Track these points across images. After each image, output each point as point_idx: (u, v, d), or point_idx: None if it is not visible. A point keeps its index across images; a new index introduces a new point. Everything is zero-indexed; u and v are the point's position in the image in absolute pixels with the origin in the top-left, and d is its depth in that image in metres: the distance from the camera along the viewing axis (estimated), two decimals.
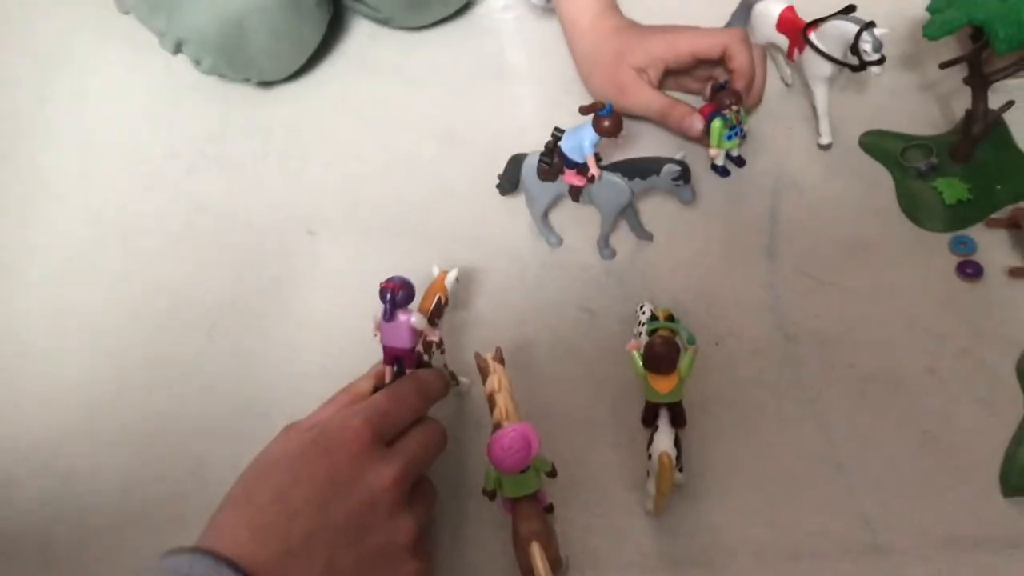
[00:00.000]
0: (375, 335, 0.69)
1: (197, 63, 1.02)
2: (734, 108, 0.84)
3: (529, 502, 0.63)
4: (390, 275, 0.68)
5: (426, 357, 0.72)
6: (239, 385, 0.83)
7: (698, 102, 0.92)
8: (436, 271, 0.75)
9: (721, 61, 0.89)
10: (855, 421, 0.74)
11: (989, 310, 0.78)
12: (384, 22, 1.11)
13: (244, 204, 0.97)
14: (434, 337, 0.71)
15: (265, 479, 0.61)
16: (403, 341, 0.68)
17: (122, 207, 0.99)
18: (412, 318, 0.67)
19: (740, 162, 0.92)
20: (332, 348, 0.84)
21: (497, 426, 0.65)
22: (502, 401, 0.66)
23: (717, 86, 0.85)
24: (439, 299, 0.73)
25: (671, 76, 0.95)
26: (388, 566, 0.62)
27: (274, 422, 0.66)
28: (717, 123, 0.86)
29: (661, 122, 0.92)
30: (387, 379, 0.70)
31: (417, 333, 0.69)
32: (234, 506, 0.60)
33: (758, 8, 0.92)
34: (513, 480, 0.63)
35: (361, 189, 0.96)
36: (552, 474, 0.65)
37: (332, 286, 0.89)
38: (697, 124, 0.88)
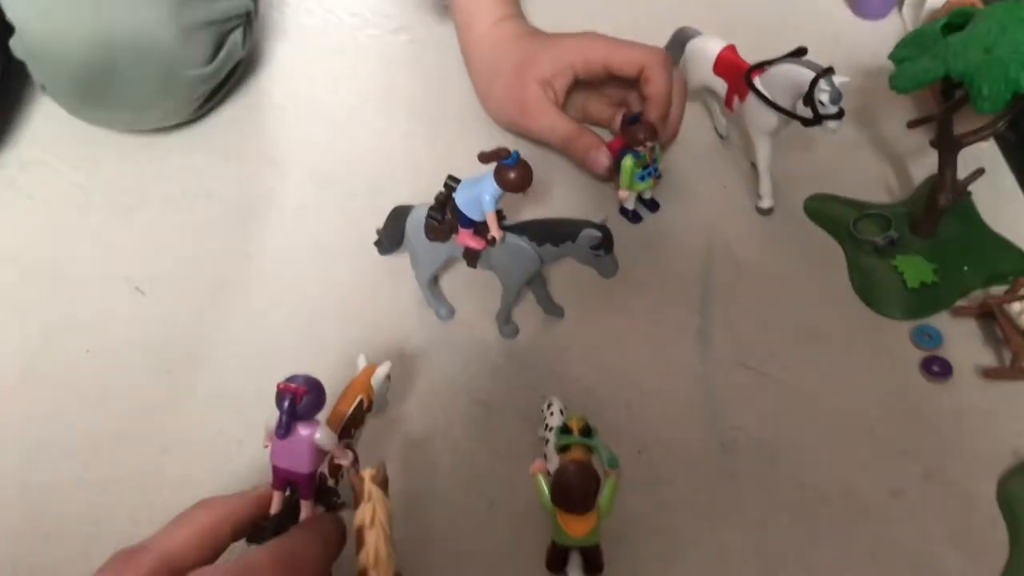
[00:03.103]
0: (266, 446, 0.51)
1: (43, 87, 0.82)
2: (648, 144, 0.71)
3: None
4: (274, 361, 0.50)
5: (331, 482, 0.54)
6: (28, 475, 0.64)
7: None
8: (362, 362, 0.59)
9: (636, 82, 0.76)
10: (808, 559, 0.59)
11: (961, 419, 0.66)
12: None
13: (59, 252, 0.78)
14: (345, 460, 0.52)
15: None
16: (301, 464, 0.50)
17: None
18: (316, 434, 0.49)
19: (653, 206, 0.79)
20: (160, 442, 0.65)
21: (362, 573, 0.48)
22: (372, 540, 0.49)
23: (629, 118, 0.71)
24: (360, 402, 0.56)
25: (578, 94, 0.83)
26: None
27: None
28: (628, 161, 0.72)
29: (564, 151, 0.80)
30: (273, 508, 0.51)
31: (321, 454, 0.51)
32: None
33: (693, 45, 0.78)
34: None
35: (205, 238, 0.79)
36: None
37: (157, 359, 0.70)
38: (603, 159, 0.76)
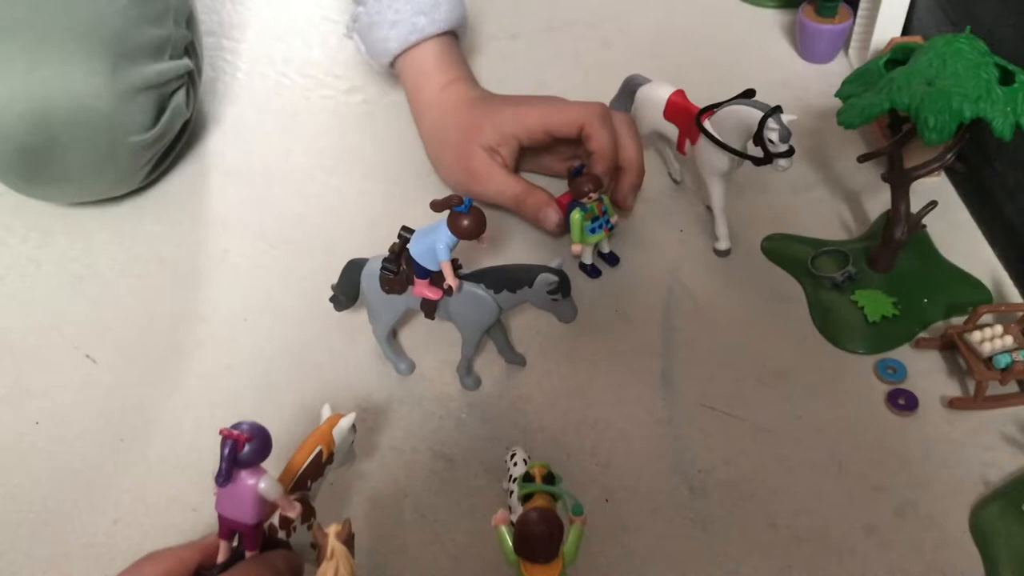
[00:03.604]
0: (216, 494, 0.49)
1: None
2: (593, 196, 0.71)
3: None
4: (231, 422, 0.47)
5: (282, 534, 0.52)
6: None
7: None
8: (326, 412, 0.57)
9: (579, 141, 0.76)
10: None
11: (929, 451, 0.65)
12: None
13: (8, 323, 0.76)
14: (292, 513, 0.50)
15: None
16: (245, 513, 0.48)
17: None
18: (260, 483, 0.47)
19: (613, 260, 0.78)
20: (112, 513, 0.63)
21: None
22: None
23: (573, 171, 0.71)
24: (319, 453, 0.54)
25: (531, 155, 0.82)
26: None
27: None
28: (576, 215, 0.72)
29: (516, 212, 0.79)
30: (220, 557, 0.49)
31: (266, 505, 0.48)
32: None
33: (643, 92, 0.79)
34: None
35: (158, 303, 0.77)
36: None
37: (109, 427, 0.68)
38: (553, 216, 0.75)
